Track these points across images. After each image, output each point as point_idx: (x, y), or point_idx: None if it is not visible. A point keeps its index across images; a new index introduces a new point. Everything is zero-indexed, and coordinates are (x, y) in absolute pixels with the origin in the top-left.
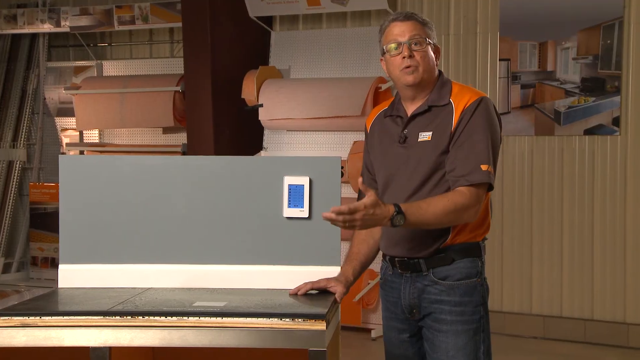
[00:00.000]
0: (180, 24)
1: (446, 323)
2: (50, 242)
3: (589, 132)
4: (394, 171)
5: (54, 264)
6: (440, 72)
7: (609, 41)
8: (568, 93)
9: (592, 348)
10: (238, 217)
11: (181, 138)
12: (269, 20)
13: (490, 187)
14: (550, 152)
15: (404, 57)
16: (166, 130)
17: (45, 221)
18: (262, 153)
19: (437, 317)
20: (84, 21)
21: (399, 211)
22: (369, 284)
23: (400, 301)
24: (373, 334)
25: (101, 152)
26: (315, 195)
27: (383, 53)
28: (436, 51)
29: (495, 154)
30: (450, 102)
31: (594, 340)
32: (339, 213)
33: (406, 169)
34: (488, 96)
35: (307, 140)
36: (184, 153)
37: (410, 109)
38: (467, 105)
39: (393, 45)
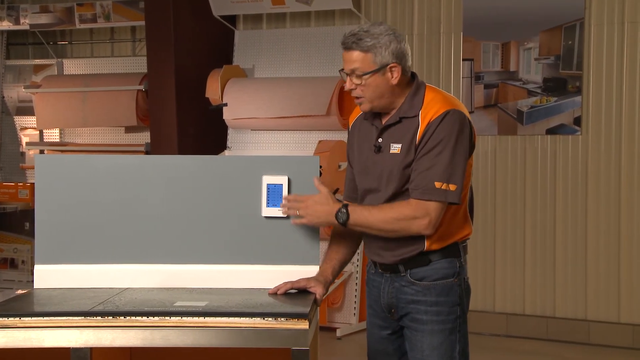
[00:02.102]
0: (142, 23)
1: (422, 323)
2: (10, 243)
3: (551, 131)
4: (370, 179)
5: (13, 264)
6: (414, 76)
7: (570, 42)
8: (530, 93)
9: (554, 345)
10: (216, 216)
11: (144, 137)
12: (232, 19)
13: (452, 203)
14: (513, 151)
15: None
16: (128, 129)
17: (4, 221)
18: (226, 152)
19: (414, 317)
20: (44, 19)
21: (345, 210)
22: (334, 283)
23: (381, 300)
24: (338, 333)
25: (62, 151)
26: (294, 194)
27: None
28: (393, 70)
29: (458, 168)
30: (418, 114)
31: (555, 337)
32: (285, 198)
33: (380, 179)
34: (459, 106)
35: (272, 140)
36: (147, 152)
37: (384, 118)
38: (433, 118)
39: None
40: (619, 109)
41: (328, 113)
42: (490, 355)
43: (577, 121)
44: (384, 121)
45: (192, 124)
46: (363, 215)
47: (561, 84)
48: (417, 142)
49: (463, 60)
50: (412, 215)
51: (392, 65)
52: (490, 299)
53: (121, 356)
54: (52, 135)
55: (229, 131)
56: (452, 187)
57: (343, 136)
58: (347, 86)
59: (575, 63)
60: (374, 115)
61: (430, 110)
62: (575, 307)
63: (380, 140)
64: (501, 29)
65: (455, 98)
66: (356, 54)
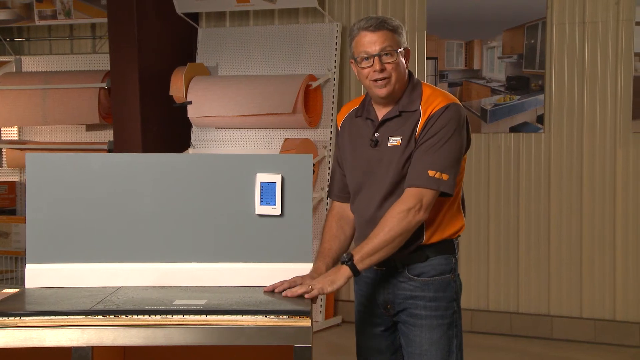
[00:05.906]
0: (104, 20)
1: (421, 318)
2: None
3: (514, 129)
4: (366, 174)
5: None
6: (410, 73)
7: (532, 41)
8: (494, 91)
9: (518, 340)
10: (210, 214)
11: (105, 135)
12: (195, 17)
13: (444, 194)
14: (477, 149)
15: (375, 70)
16: (90, 127)
17: None
18: (190, 150)
19: (412, 312)
20: (2, 15)
21: (346, 255)
22: None
23: (375, 297)
24: None
25: (21, 149)
26: (288, 192)
27: (353, 57)
28: (406, 55)
29: (452, 159)
30: (419, 108)
31: (519, 333)
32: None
33: (377, 173)
34: (458, 101)
35: (236, 138)
36: (110, 150)
37: (382, 112)
38: (433, 111)
39: (363, 56)
40: (581, 107)
41: (294, 111)
42: None
43: (540, 119)
44: (381, 115)
45: (155, 122)
46: (365, 245)
47: (524, 82)
48: (417, 134)
49: (427, 58)
50: (407, 207)
51: (407, 48)
52: None
53: (115, 354)
54: (11, 133)
55: (193, 129)
56: (444, 176)
57: (309, 134)
58: (377, 67)
59: (537, 62)
60: (369, 111)
61: (431, 103)
62: (539, 302)
63: (377, 134)
64: (465, 27)
65: (451, 94)
66: (386, 33)
